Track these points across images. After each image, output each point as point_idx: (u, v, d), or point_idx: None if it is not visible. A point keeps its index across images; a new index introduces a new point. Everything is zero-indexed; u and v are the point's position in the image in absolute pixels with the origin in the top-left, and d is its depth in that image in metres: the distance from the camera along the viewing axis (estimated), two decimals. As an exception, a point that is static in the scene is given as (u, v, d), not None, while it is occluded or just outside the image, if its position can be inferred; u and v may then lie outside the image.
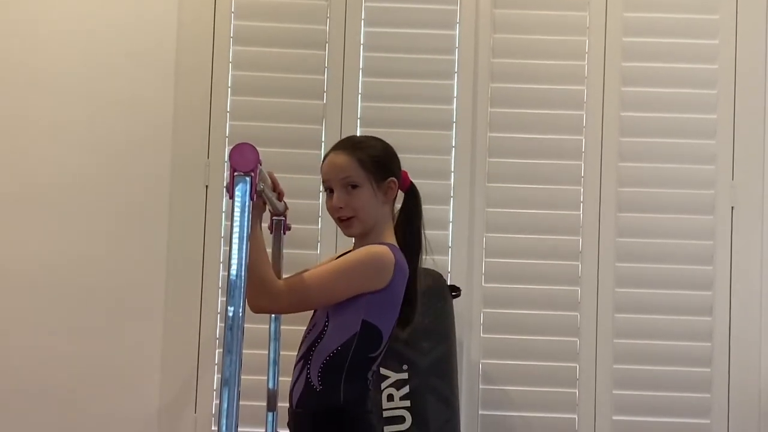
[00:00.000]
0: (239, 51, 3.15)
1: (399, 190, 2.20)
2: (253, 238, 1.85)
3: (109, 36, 3.14)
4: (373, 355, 2.09)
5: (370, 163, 2.12)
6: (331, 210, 2.15)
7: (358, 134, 3.08)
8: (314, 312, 2.16)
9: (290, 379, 2.14)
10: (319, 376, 2.05)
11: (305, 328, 2.17)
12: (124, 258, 3.09)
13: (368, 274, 2.05)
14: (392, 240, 2.15)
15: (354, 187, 2.11)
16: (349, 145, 2.19)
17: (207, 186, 3.12)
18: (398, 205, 2.23)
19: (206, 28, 3.15)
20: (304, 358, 2.09)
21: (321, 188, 2.20)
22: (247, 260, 1.60)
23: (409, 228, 2.19)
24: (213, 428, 3.04)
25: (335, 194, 2.12)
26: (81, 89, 3.12)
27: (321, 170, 2.17)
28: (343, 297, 2.05)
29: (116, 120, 3.12)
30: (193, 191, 3.11)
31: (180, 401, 3.07)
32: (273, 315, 2.63)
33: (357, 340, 2.05)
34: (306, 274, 2.06)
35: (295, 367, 2.12)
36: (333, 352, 2.05)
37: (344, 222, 2.13)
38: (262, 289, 1.98)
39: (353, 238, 2.20)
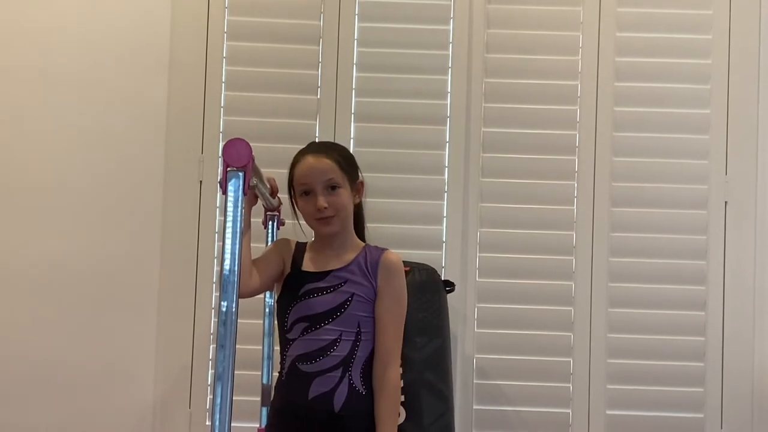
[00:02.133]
0: (233, 46, 3.15)
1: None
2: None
3: (102, 32, 3.14)
4: None
5: (346, 164, 2.22)
6: (312, 211, 2.19)
7: (351, 129, 3.10)
8: (319, 323, 2.17)
9: (291, 378, 2.15)
10: (362, 381, 2.16)
11: (296, 334, 2.19)
12: (118, 253, 3.09)
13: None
14: None
15: (334, 188, 2.18)
16: (324, 148, 2.28)
17: (201, 181, 3.12)
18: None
19: (200, 23, 3.14)
20: (344, 365, 2.14)
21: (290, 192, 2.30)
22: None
23: (359, 236, 2.33)
24: (207, 423, 3.04)
25: (319, 195, 2.17)
26: (74, 85, 3.12)
27: (295, 174, 2.22)
28: None
29: (110, 116, 3.12)
30: (187, 187, 3.11)
31: (174, 396, 3.07)
32: (267, 310, 2.65)
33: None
34: (390, 338, 2.19)
35: (323, 374, 2.14)
36: (368, 357, 2.18)
37: (325, 220, 2.19)
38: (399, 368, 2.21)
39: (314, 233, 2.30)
